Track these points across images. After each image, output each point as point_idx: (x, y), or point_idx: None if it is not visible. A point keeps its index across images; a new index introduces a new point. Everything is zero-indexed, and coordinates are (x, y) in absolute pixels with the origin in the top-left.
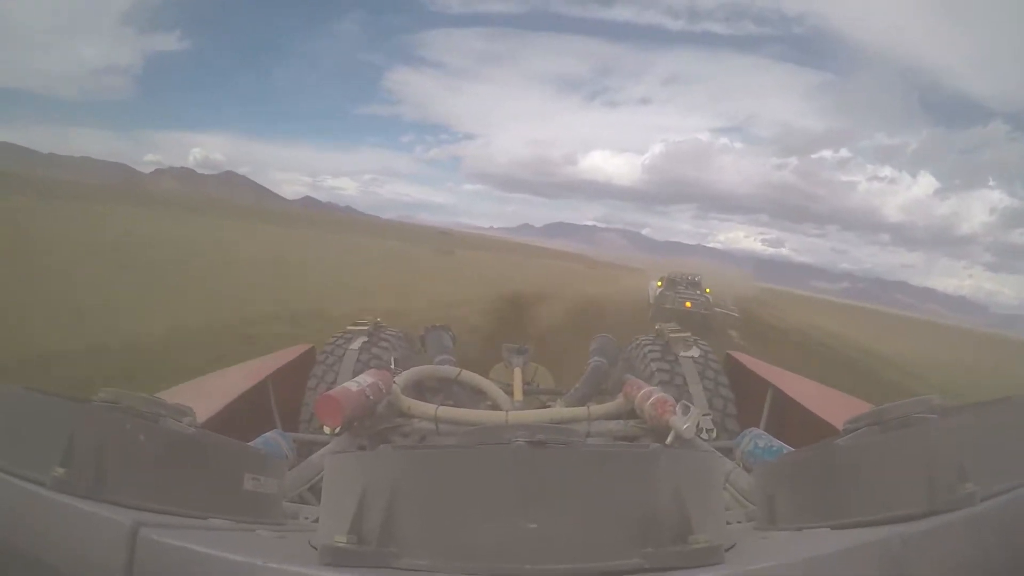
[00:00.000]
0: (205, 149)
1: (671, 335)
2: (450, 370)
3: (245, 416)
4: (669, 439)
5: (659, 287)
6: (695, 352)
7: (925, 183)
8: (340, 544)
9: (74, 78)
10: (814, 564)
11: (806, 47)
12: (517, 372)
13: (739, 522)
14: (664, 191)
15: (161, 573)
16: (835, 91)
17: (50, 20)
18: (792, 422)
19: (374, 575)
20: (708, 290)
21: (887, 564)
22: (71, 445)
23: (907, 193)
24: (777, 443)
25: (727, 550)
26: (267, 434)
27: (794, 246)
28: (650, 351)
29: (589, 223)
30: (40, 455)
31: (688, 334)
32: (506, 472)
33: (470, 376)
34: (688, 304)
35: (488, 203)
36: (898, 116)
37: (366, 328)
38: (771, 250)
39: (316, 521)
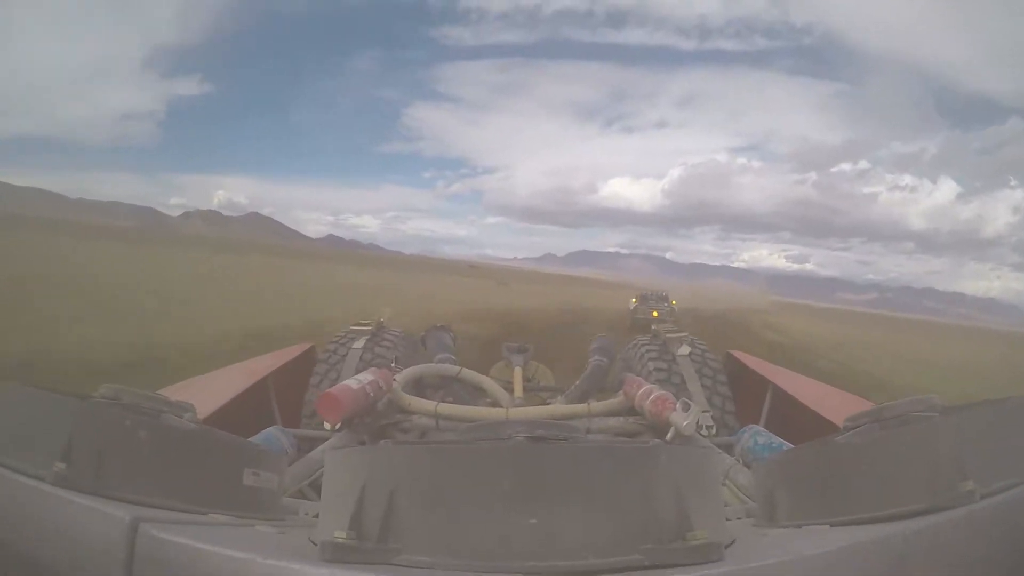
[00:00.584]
0: (228, 191)
1: (667, 335)
2: (451, 368)
3: (246, 413)
4: (669, 435)
5: (635, 303)
6: (692, 351)
7: (946, 188)
8: (340, 540)
9: (99, 124)
10: (814, 561)
11: (817, 57)
12: (517, 371)
13: (739, 518)
14: (685, 214)
15: (161, 568)
16: (849, 101)
17: (73, 69)
18: (792, 420)
19: (374, 571)
20: (674, 302)
21: (888, 561)
22: (72, 441)
23: (929, 200)
24: (777, 440)
25: (727, 547)
26: (267, 430)
27: (819, 261)
28: (648, 351)
29: (612, 250)
30: (41, 451)
31: (685, 333)
32: (506, 468)
33: (471, 374)
34: (655, 313)
35: (511, 235)
36: (914, 122)
37: (369, 328)
38: (795, 266)
39: (316, 517)
